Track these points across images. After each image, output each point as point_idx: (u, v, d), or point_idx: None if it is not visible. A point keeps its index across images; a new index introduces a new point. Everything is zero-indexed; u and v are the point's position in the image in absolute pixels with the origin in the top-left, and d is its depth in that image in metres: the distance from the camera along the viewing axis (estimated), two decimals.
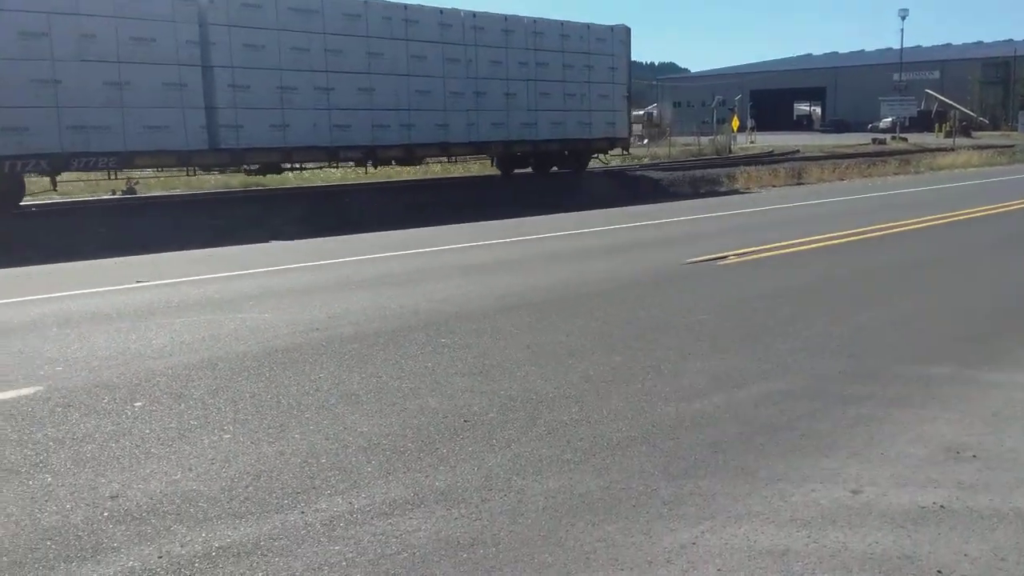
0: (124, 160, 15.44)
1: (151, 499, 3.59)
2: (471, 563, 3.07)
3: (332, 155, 18.58)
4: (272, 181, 20.91)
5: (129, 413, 4.69)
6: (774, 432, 4.36)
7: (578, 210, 16.58)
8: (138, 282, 8.99)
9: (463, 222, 14.66)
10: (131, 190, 20.02)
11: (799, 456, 4.05)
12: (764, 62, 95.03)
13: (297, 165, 19.84)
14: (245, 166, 18.27)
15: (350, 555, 3.12)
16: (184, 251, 11.79)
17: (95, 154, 14.96)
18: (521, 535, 3.27)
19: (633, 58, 24.82)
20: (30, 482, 3.76)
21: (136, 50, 15.02)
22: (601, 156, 25.53)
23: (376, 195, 19.35)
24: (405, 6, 18.99)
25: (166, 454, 4.09)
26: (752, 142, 48.80)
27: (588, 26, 22.73)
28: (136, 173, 19.33)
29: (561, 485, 3.72)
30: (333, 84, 17.76)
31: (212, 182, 22.33)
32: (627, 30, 23.79)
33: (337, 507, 3.51)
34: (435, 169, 25.85)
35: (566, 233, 13.05)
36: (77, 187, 19.77)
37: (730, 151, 39.07)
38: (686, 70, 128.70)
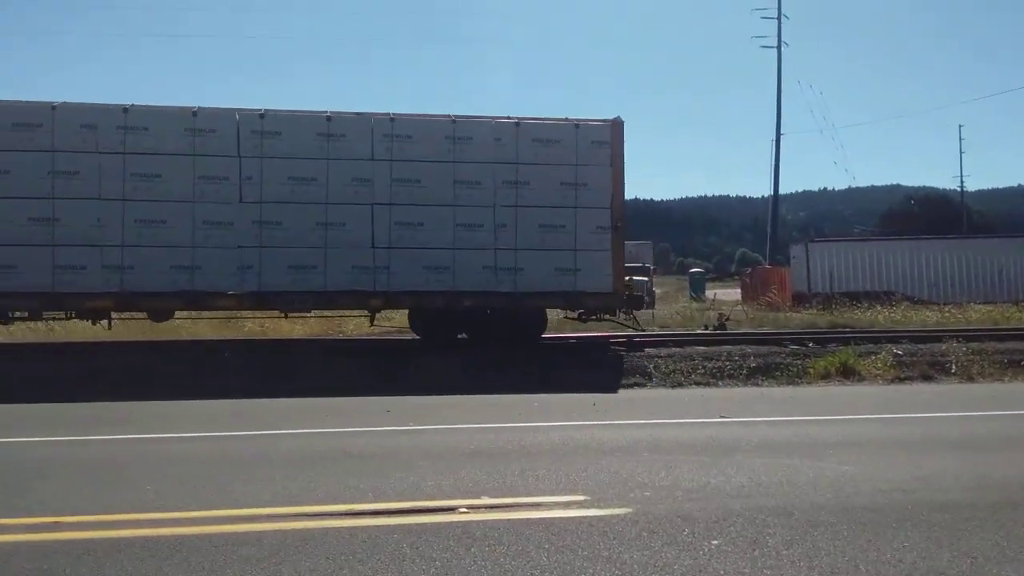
0: None
1: None
2: None
3: None
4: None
5: (706, 550, 4.84)
6: None
7: None
8: (721, 417, 9.41)
9: None
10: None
11: None
12: None
13: None
14: None
15: None
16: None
17: None
18: None
19: None
20: None
21: None
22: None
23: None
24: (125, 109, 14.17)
25: None
26: None
27: (518, 124, 15.12)
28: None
29: None
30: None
31: None
32: (614, 125, 15.45)
33: None
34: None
35: None
36: None
37: None
38: None
